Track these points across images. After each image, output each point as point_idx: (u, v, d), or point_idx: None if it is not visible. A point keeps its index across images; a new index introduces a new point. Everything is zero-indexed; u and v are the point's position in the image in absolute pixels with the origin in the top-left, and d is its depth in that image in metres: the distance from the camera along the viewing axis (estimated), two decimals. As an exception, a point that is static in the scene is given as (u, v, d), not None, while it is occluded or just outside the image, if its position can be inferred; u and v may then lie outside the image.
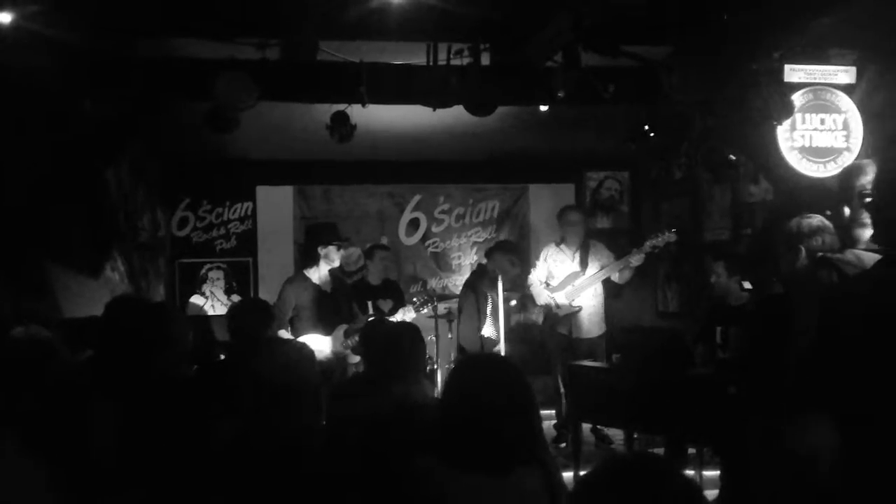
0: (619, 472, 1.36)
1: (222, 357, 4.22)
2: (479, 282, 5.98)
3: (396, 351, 3.18)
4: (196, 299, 7.58)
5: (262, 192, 7.77)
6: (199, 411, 2.83)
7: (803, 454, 1.70)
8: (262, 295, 7.06)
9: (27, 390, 2.11)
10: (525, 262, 7.82)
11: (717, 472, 4.07)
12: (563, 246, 6.14)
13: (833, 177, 4.65)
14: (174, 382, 3.05)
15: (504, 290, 5.47)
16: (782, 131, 4.81)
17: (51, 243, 5.00)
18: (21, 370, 2.81)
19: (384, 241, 7.55)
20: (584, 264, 6.03)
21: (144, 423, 2.49)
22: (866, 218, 2.99)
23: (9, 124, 4.45)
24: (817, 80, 4.86)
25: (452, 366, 5.37)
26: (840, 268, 2.84)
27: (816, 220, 3.24)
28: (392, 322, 4.91)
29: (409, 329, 3.33)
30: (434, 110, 4.82)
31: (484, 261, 6.21)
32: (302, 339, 4.87)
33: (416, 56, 4.69)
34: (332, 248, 5.10)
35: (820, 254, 3.04)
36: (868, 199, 2.43)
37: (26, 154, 4.65)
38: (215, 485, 2.42)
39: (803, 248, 3.17)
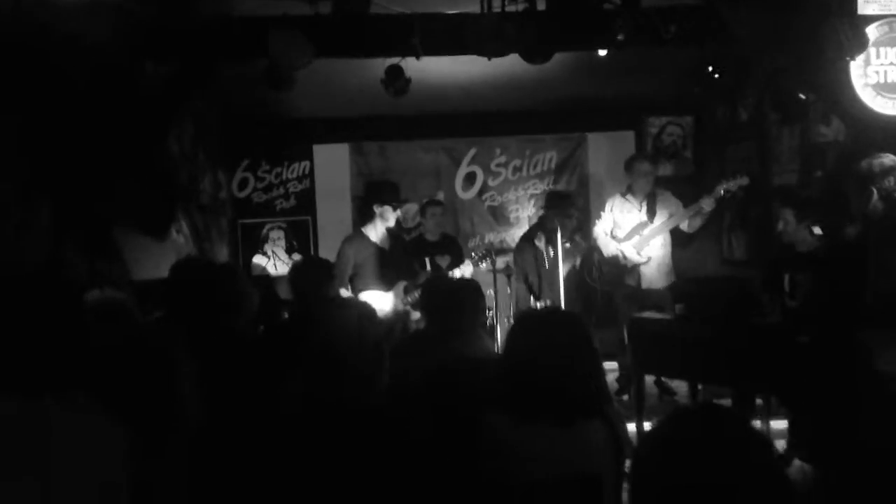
0: (686, 424, 1.32)
1: (286, 316, 4.29)
2: (536, 237, 5.91)
3: (457, 307, 3.18)
4: (258, 259, 7.72)
5: (319, 150, 7.80)
6: (268, 371, 2.89)
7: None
8: (322, 253, 7.14)
9: (105, 354, 2.16)
10: (584, 211, 7.73)
11: (785, 423, 4.00)
12: (629, 196, 6.02)
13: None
14: (244, 342, 3.12)
15: (563, 241, 5.40)
16: (855, 67, 4.57)
17: (118, 207, 5.13)
18: (100, 332, 2.90)
19: (440, 196, 7.52)
20: (651, 213, 5.91)
21: (220, 384, 2.55)
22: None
23: (73, 89, 4.54)
24: (893, 12, 4.58)
25: (513, 320, 5.34)
26: None
27: (889, 159, 3.10)
28: (452, 278, 4.91)
29: (469, 285, 3.32)
30: (489, 60, 4.73)
31: (541, 213, 6.11)
32: (362, 296, 4.91)
33: (469, 5, 4.60)
34: (387, 208, 5.11)
35: (884, 193, 2.90)
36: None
37: (91, 118, 4.75)
38: (286, 442, 2.47)
39: (875, 189, 3.04)
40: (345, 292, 4.94)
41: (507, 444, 2.11)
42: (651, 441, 1.35)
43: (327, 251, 6.49)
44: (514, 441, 2.10)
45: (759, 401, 4.65)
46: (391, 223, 5.20)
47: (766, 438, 1.33)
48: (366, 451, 2.39)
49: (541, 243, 5.70)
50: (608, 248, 5.95)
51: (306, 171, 7.78)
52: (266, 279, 7.45)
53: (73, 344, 1.85)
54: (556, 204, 5.90)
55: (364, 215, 5.37)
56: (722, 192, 5.64)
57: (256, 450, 2.47)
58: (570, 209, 5.86)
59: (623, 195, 6.06)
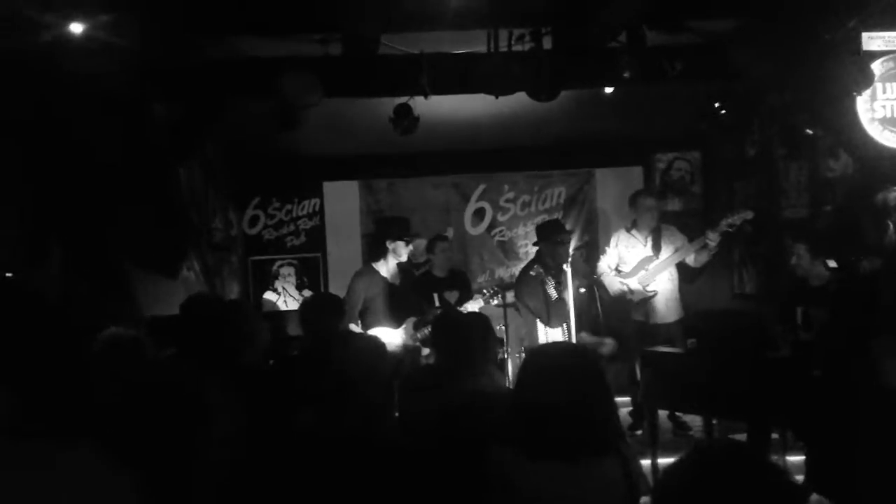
0: (706, 462, 1.31)
1: (296, 352, 4.29)
2: (532, 269, 5.75)
3: (467, 342, 3.16)
4: (269, 295, 7.74)
5: (329, 187, 7.86)
6: (278, 403, 2.88)
7: None
8: (333, 289, 7.15)
9: (117, 392, 2.15)
10: (592, 246, 7.71)
11: (802, 457, 3.94)
12: (634, 231, 6.01)
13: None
14: (255, 376, 3.12)
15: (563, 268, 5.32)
16: (862, 102, 4.61)
17: (129, 245, 5.17)
18: (115, 371, 2.91)
19: (449, 232, 7.54)
20: (657, 248, 5.89)
21: (230, 417, 2.54)
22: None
23: (84, 131, 4.61)
24: (897, 48, 4.63)
25: (524, 356, 5.28)
26: None
27: (903, 192, 3.09)
28: (463, 313, 4.91)
29: (480, 319, 3.30)
30: (496, 98, 4.78)
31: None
32: (372, 332, 4.91)
33: (476, 44, 4.66)
34: (400, 244, 5.11)
35: None
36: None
37: (101, 159, 4.81)
38: (295, 475, 2.45)
39: (891, 223, 3.04)
40: (355, 328, 4.94)
41: (516, 481, 2.09)
42: (670, 479, 1.34)
43: (337, 287, 6.50)
44: (524, 478, 2.08)
45: (775, 435, 4.60)
46: (403, 258, 5.21)
47: (786, 475, 1.32)
48: (375, 487, 2.38)
49: (539, 274, 5.57)
50: (614, 285, 5.92)
51: (316, 209, 7.84)
52: (276, 315, 7.47)
53: (78, 386, 1.83)
54: (545, 235, 5.68)
55: (375, 251, 5.37)
56: (726, 225, 5.63)
57: (268, 485, 2.46)
58: (559, 235, 5.62)
59: (628, 230, 6.06)
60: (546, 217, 7.87)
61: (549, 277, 5.44)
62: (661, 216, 6.15)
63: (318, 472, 2.43)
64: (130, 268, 5.17)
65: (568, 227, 7.10)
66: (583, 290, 5.96)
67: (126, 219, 5.11)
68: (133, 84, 4.67)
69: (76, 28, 3.94)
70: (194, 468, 2.06)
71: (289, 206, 7.81)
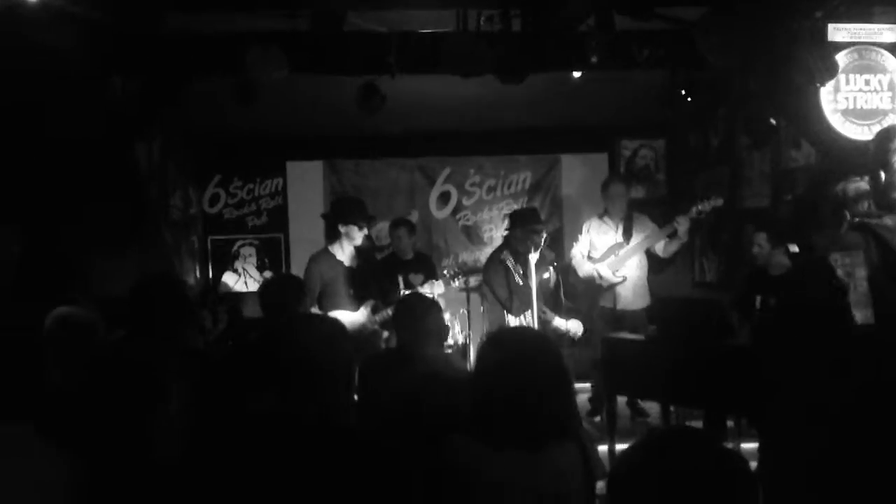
0: (660, 448, 1.30)
1: (255, 334, 4.22)
2: (502, 254, 5.75)
3: (423, 324, 3.17)
4: (229, 276, 7.62)
5: (293, 167, 7.76)
6: (236, 387, 2.82)
7: None
8: (295, 270, 7.07)
9: (69, 373, 2.09)
10: (558, 231, 7.72)
11: (756, 444, 3.99)
12: (606, 218, 6.04)
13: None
14: (213, 358, 3.06)
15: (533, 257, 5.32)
16: (825, 93, 4.64)
17: (84, 222, 5.03)
18: (65, 351, 2.82)
19: (413, 215, 7.49)
20: (627, 235, 5.92)
21: (186, 401, 2.48)
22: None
23: (39, 102, 4.46)
24: (861, 40, 4.67)
25: (483, 340, 5.26)
26: (878, 233, 2.72)
27: (862, 183, 3.11)
28: (421, 295, 4.88)
29: (432, 302, 3.35)
30: (464, 79, 4.73)
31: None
32: (331, 315, 4.85)
33: (445, 24, 4.60)
34: (353, 227, 4.98)
35: (857, 219, 2.92)
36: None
37: (56, 132, 4.66)
38: (253, 458, 2.41)
39: (848, 214, 3.06)
40: (315, 310, 4.87)
41: (475, 469, 2.06)
42: (624, 465, 1.32)
43: (299, 269, 6.40)
44: (483, 466, 2.06)
45: (730, 422, 4.66)
46: (358, 242, 5.11)
47: (742, 459, 1.32)
48: (333, 472, 2.34)
49: (508, 261, 5.56)
50: (583, 268, 5.95)
51: (279, 188, 7.73)
52: (236, 296, 7.36)
53: (27, 367, 1.78)
54: (521, 222, 5.67)
55: (331, 234, 5.26)
56: (696, 212, 5.67)
57: (225, 469, 2.40)
58: (535, 224, 5.59)
59: (600, 217, 6.08)
60: (511, 202, 7.87)
61: (518, 265, 5.44)
62: (633, 204, 6.18)
63: (275, 455, 2.38)
64: (84, 245, 5.03)
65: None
66: (547, 276, 5.96)
67: (79, 194, 4.97)
68: (91, 56, 4.52)
69: (30, -5, 3.79)
70: (150, 452, 2.01)
71: (250, 186, 7.68)
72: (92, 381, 1.98)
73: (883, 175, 3.07)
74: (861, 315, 2.13)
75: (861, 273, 2.15)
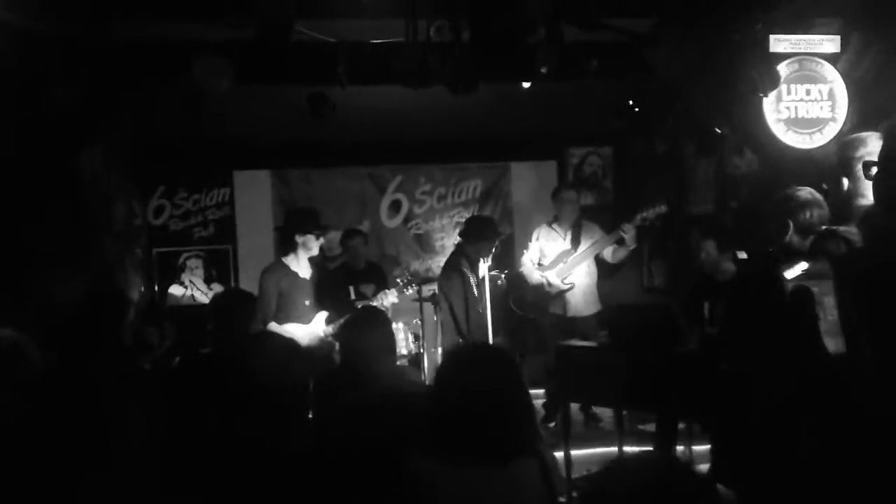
0: (630, 473, 1.30)
1: (205, 351, 4.11)
2: (461, 263, 5.77)
3: (373, 337, 3.11)
4: (175, 289, 7.45)
5: (240, 176, 7.62)
6: (184, 407, 2.74)
7: None
8: (243, 283, 6.95)
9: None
10: (509, 239, 7.74)
11: (707, 447, 4.06)
12: (555, 225, 6.08)
13: (824, 148, 4.62)
14: (159, 377, 2.97)
15: (490, 268, 5.34)
16: (768, 103, 4.76)
17: (23, 234, 4.86)
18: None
19: (364, 224, 7.44)
20: (576, 242, 5.97)
21: (125, 419, 2.40)
22: (866, 190, 2.92)
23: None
24: (802, 50, 4.81)
25: (442, 357, 5.25)
26: (849, 239, 2.78)
27: (806, 192, 3.18)
28: (371, 308, 4.84)
29: (381, 313, 3.31)
30: (415, 90, 4.71)
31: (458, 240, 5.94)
32: (285, 327, 4.76)
33: (394, 34, 4.58)
34: (310, 237, 4.92)
35: (825, 227, 2.98)
36: (873, 170, 2.36)
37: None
38: (202, 480, 2.34)
39: (791, 222, 3.12)
40: (275, 326, 4.78)
41: (435, 487, 2.04)
42: (594, 491, 1.32)
43: (249, 281, 6.31)
44: (443, 484, 2.04)
45: (681, 426, 4.72)
46: (314, 252, 5.04)
47: (711, 484, 1.32)
48: (286, 491, 2.29)
49: (466, 269, 5.59)
50: (532, 276, 5.99)
51: (226, 199, 7.59)
52: (183, 310, 7.19)
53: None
54: (476, 230, 5.61)
55: (284, 245, 5.17)
56: (640, 219, 5.75)
57: (172, 491, 2.33)
58: (491, 233, 5.62)
59: (549, 224, 6.12)
60: (462, 210, 7.88)
61: (472, 274, 5.46)
62: (582, 212, 6.24)
63: (227, 477, 2.32)
64: (23, 258, 4.85)
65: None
66: (499, 282, 5.99)
67: (19, 206, 4.79)
68: (31, 65, 4.38)
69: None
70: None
71: (196, 196, 7.52)
72: (35, 413, 1.89)
73: (846, 183, 3.15)
74: (832, 344, 2.16)
75: (830, 301, 2.19)
